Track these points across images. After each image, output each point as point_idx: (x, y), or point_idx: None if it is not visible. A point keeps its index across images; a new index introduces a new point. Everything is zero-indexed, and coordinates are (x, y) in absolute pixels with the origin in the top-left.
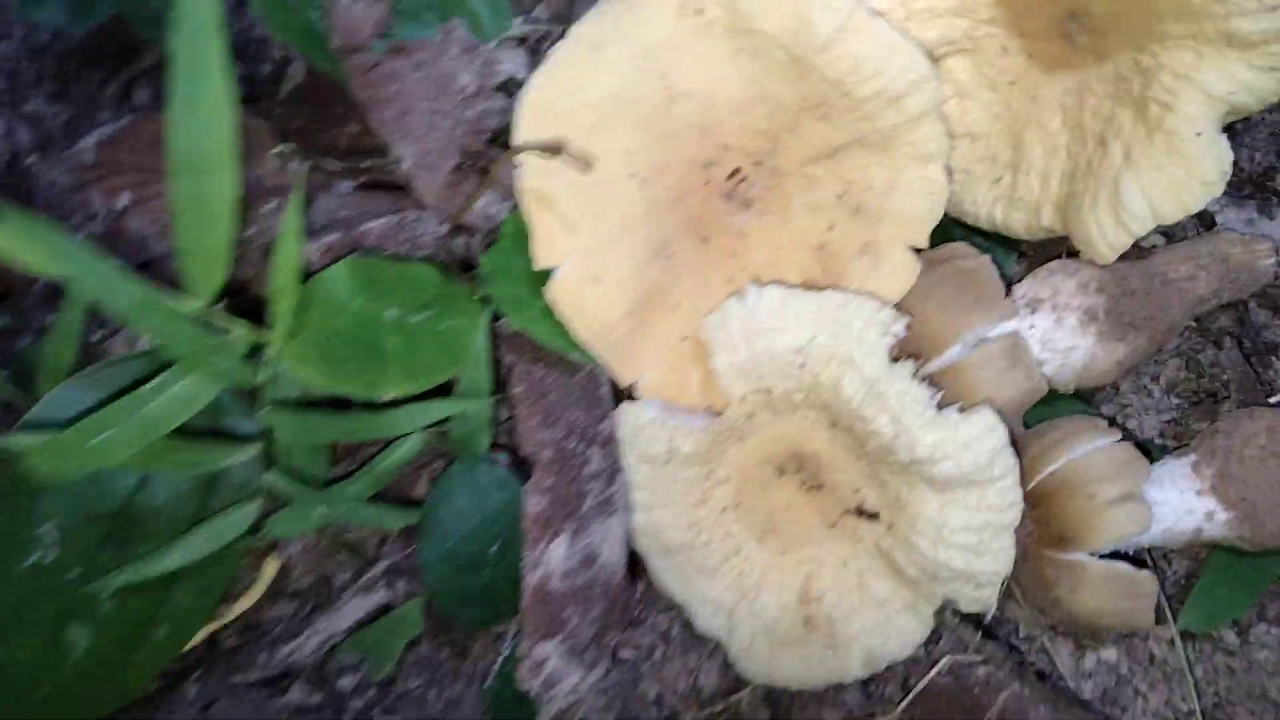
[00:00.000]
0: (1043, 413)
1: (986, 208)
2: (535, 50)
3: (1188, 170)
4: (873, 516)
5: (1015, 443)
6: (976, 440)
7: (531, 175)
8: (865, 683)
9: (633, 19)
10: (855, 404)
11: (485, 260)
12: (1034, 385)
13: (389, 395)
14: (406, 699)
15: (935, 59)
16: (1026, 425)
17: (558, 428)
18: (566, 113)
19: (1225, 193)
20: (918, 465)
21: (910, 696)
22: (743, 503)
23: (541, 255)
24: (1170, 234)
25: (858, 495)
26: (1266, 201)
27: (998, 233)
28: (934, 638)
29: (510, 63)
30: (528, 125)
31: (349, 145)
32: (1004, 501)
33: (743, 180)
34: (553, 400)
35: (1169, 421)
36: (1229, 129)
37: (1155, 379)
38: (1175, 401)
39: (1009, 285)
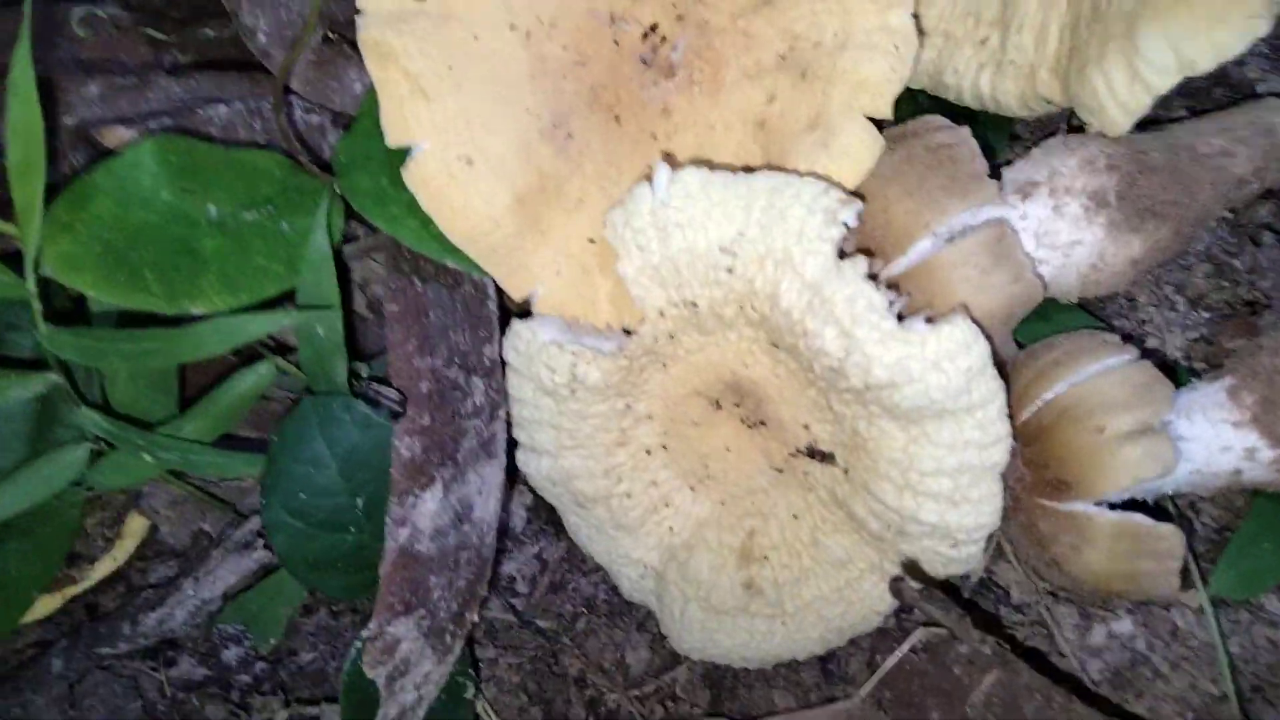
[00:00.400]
0: (1039, 329)
1: (971, 77)
2: None
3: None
4: (826, 458)
5: (1002, 365)
6: (948, 358)
7: (374, 22)
8: (824, 660)
9: None
10: (796, 315)
11: (342, 146)
12: (1024, 289)
13: (200, 309)
14: (302, 673)
15: None
16: (1019, 343)
17: (437, 353)
18: None
19: (1267, 54)
20: (875, 391)
21: (877, 677)
22: (670, 444)
23: (392, 129)
24: (1195, 108)
25: (808, 432)
26: None
27: (985, 110)
28: (906, 606)
29: None
30: None
31: (188, 6)
32: (986, 436)
33: (662, 40)
34: (432, 320)
35: (1197, 339)
36: None
37: (1180, 288)
38: (1205, 315)
39: (997, 169)
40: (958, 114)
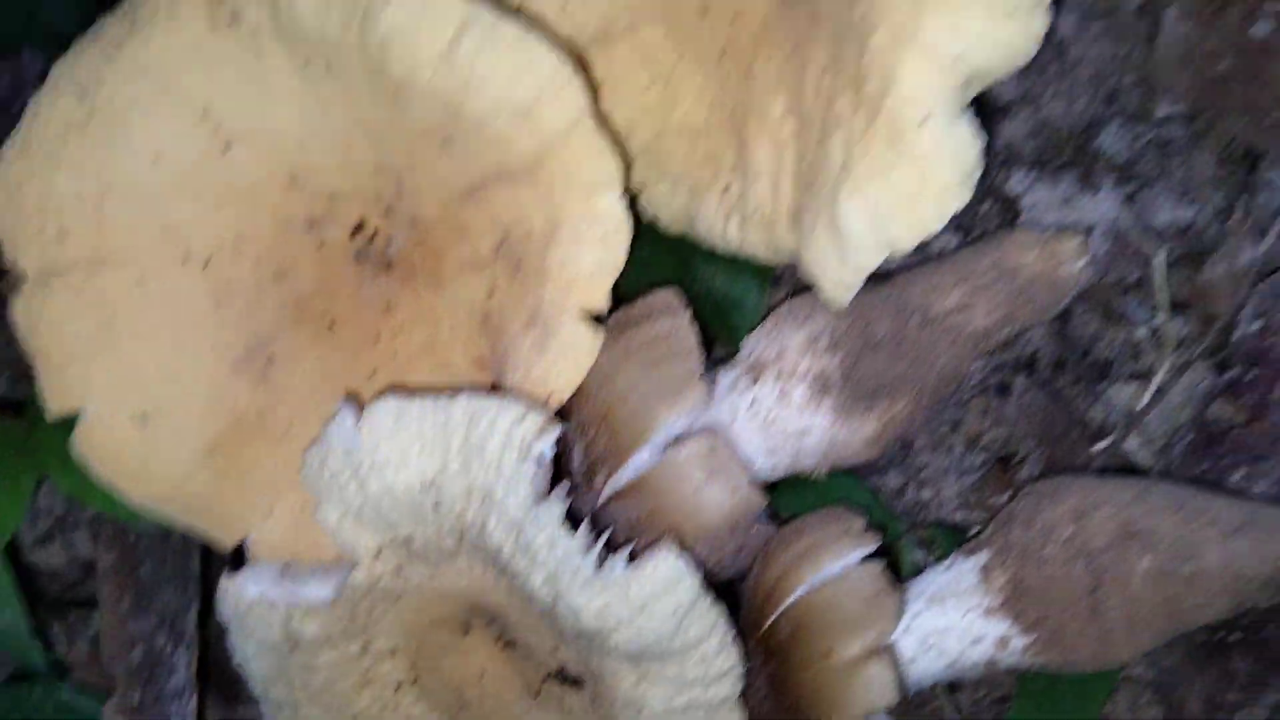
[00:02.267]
0: (805, 497)
1: (721, 224)
2: None
3: (920, 176)
4: (577, 684)
5: (736, 578)
6: (654, 599)
7: (19, 286)
8: None
9: (139, 41)
10: (506, 555)
11: (33, 397)
12: (741, 501)
13: None
14: None
15: (618, 31)
16: (782, 514)
17: (149, 615)
18: (55, 192)
19: (1034, 164)
20: (589, 637)
21: None
22: (422, 676)
23: (51, 397)
24: (968, 226)
25: (556, 656)
26: (1089, 168)
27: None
28: None
29: None
30: (7, 216)
31: None
32: (708, 673)
33: (375, 233)
34: (145, 576)
35: (974, 488)
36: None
37: (956, 426)
38: (980, 458)
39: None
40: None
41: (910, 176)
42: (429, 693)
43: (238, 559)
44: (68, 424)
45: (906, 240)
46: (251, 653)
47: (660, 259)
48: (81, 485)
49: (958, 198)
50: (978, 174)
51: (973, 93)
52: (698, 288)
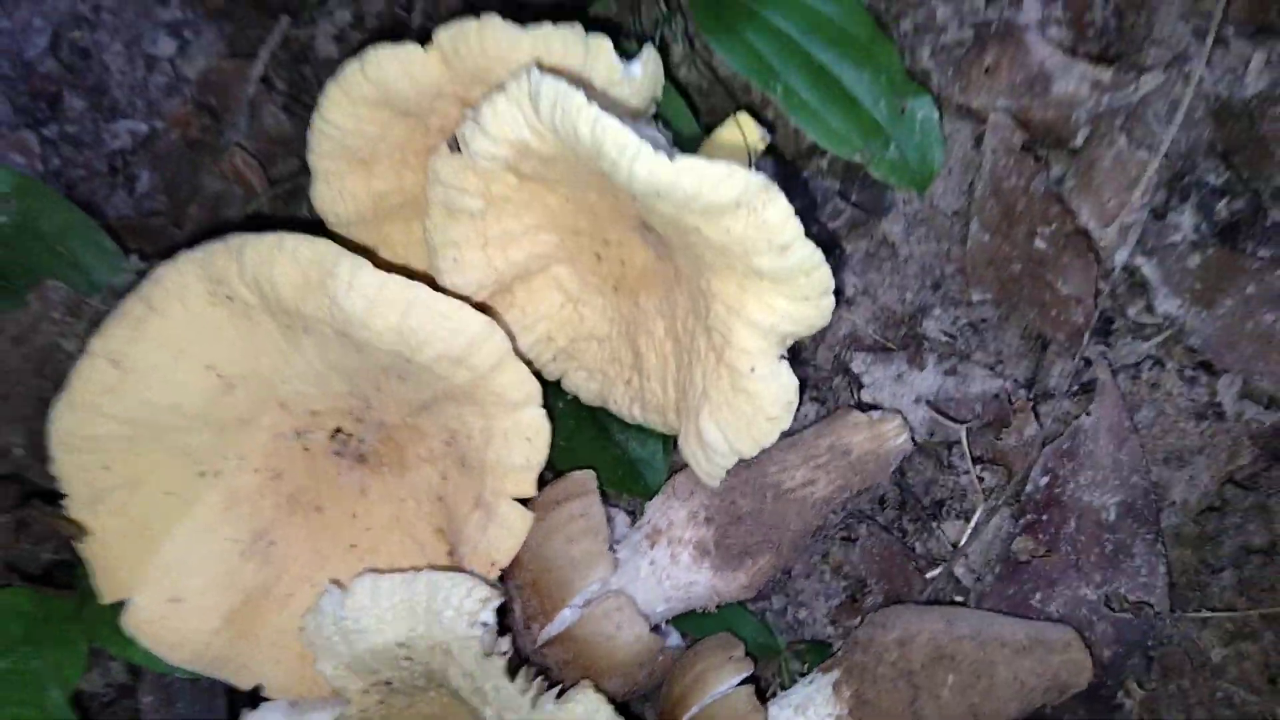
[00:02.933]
0: (704, 624)
1: (627, 407)
2: None
3: (754, 407)
4: None
5: (649, 693)
6: None
7: (74, 506)
8: None
9: (157, 320)
10: (464, 695)
11: (81, 573)
12: (644, 645)
13: None
14: None
15: (534, 271)
16: (696, 634)
17: None
18: (97, 435)
19: (872, 348)
20: None
21: None
22: None
23: (104, 590)
24: (824, 398)
25: None
26: (917, 348)
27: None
28: None
29: None
30: (60, 457)
31: None
32: None
33: (349, 436)
34: (180, 711)
35: (837, 608)
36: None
37: (825, 556)
38: (843, 584)
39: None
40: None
41: (747, 407)
42: None
43: (254, 696)
44: (116, 605)
45: (749, 451)
46: None
47: (584, 427)
48: (128, 649)
49: (784, 422)
50: (795, 402)
51: (788, 344)
52: (614, 450)
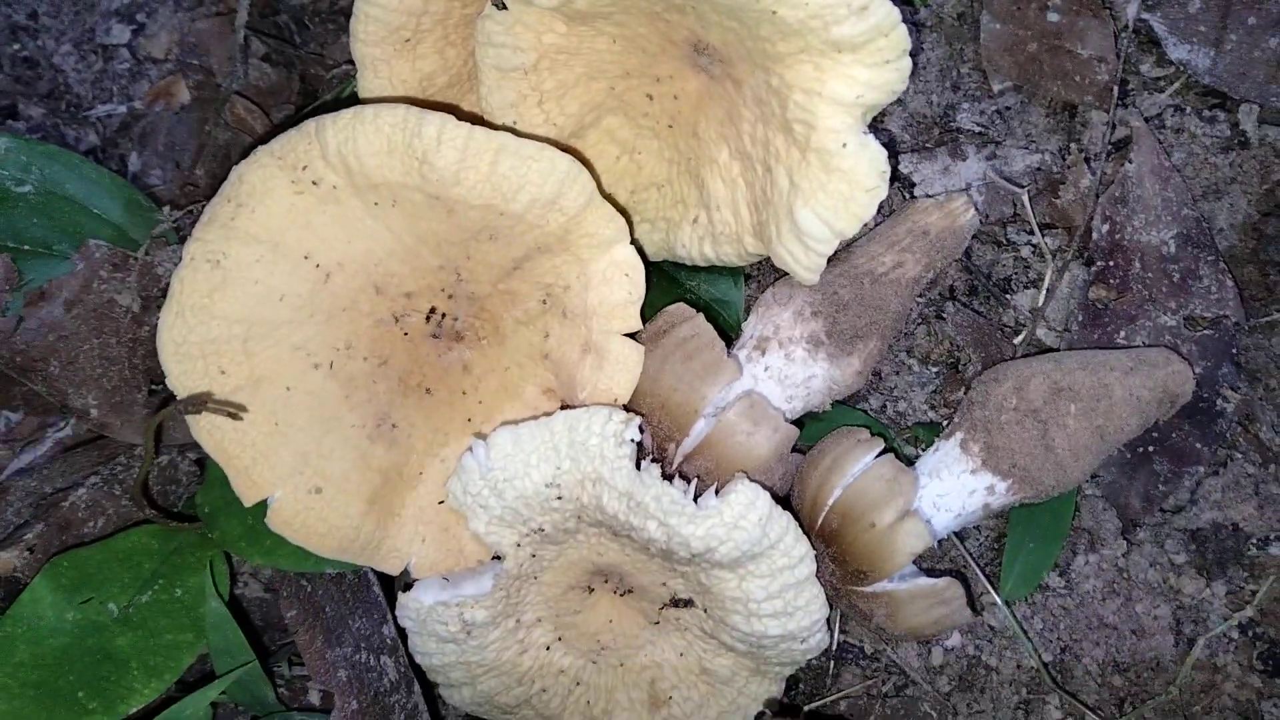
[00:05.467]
0: (816, 429)
1: (696, 247)
2: None
3: (849, 183)
4: (688, 604)
5: (785, 498)
6: (742, 517)
7: (199, 426)
8: None
9: (247, 216)
10: (622, 518)
11: (201, 499)
12: (783, 435)
13: (135, 706)
14: None
15: (587, 125)
16: (807, 443)
17: (345, 643)
18: (210, 340)
19: (913, 149)
20: (700, 558)
21: None
22: (565, 634)
23: (245, 493)
24: (881, 206)
25: (667, 588)
26: (955, 143)
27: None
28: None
29: (169, 262)
30: (174, 368)
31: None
32: (791, 559)
33: (443, 316)
34: (330, 614)
35: (935, 392)
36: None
37: (910, 351)
38: (934, 370)
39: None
40: (699, 270)
41: (843, 185)
42: (573, 646)
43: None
44: (246, 521)
45: (851, 229)
46: (433, 648)
47: (653, 279)
48: (272, 554)
49: (881, 192)
50: (889, 171)
51: (870, 117)
52: (688, 297)
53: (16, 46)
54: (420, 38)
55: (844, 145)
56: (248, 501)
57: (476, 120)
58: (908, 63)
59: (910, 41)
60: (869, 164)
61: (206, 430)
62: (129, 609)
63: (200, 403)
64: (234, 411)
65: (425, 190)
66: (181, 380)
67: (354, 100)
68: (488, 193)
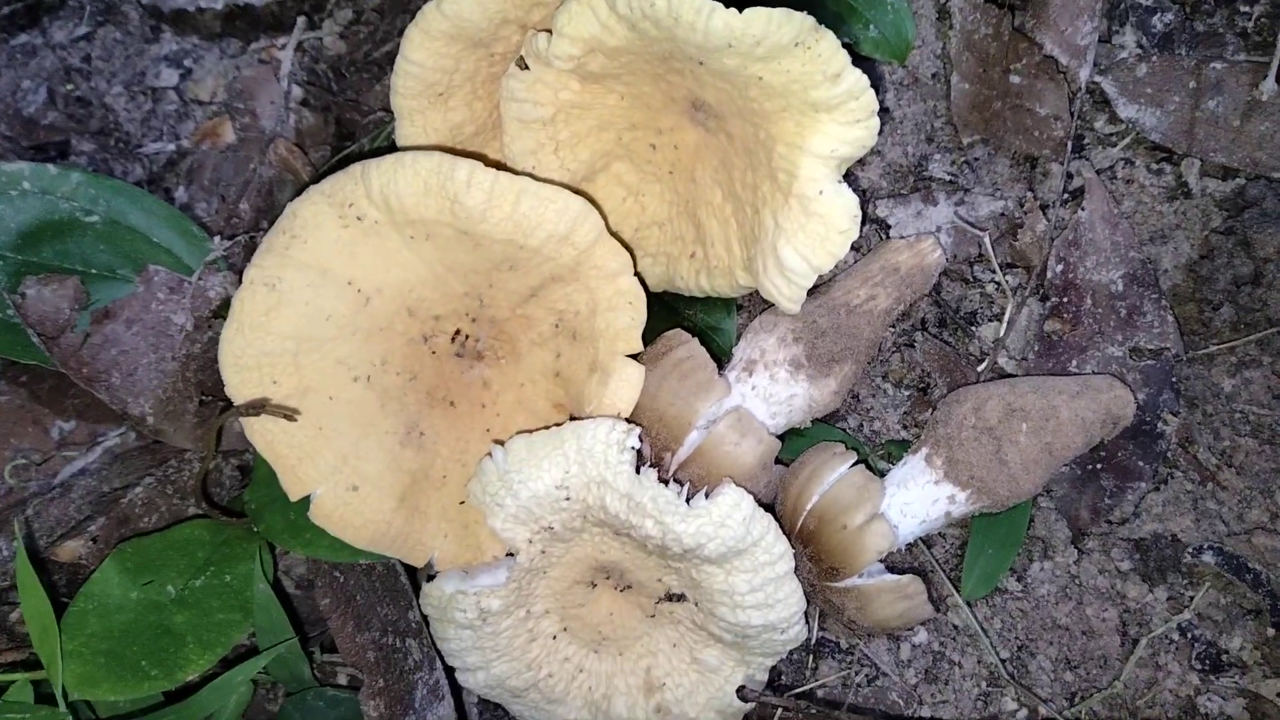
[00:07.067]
0: (798, 444)
1: (693, 280)
2: (243, 265)
3: (825, 225)
4: (680, 598)
5: (772, 492)
6: (728, 517)
7: (253, 428)
8: None
9: (300, 246)
10: (623, 517)
11: (249, 496)
12: (767, 446)
13: (192, 674)
14: None
15: (597, 170)
16: (790, 456)
17: (373, 627)
18: (265, 353)
19: (890, 195)
20: (691, 552)
21: None
22: (569, 625)
23: (292, 488)
24: (858, 245)
25: (662, 584)
26: (928, 189)
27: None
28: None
29: (219, 286)
30: (232, 378)
31: (88, 419)
32: (772, 555)
33: (466, 337)
34: (360, 602)
35: (906, 413)
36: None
37: (885, 376)
38: (906, 393)
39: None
40: (696, 300)
41: (819, 227)
42: (577, 635)
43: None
44: (289, 516)
45: (827, 265)
46: (453, 633)
47: (655, 309)
48: (312, 544)
49: (853, 233)
50: (860, 215)
51: (845, 168)
52: (686, 325)
53: (70, 86)
54: (452, 92)
55: (820, 192)
56: (293, 496)
57: (500, 166)
58: (876, 122)
59: (877, 104)
60: (843, 209)
61: (260, 432)
62: (185, 591)
63: (260, 406)
64: (290, 414)
65: (456, 226)
66: (239, 388)
67: (391, 146)
68: (510, 229)
